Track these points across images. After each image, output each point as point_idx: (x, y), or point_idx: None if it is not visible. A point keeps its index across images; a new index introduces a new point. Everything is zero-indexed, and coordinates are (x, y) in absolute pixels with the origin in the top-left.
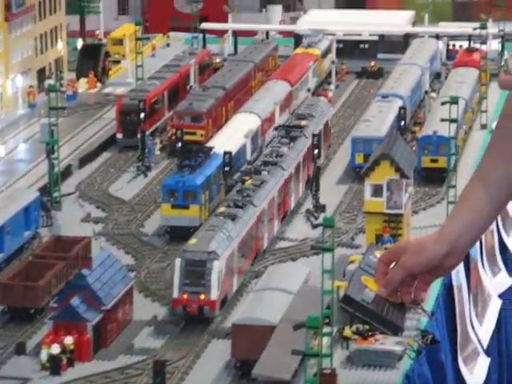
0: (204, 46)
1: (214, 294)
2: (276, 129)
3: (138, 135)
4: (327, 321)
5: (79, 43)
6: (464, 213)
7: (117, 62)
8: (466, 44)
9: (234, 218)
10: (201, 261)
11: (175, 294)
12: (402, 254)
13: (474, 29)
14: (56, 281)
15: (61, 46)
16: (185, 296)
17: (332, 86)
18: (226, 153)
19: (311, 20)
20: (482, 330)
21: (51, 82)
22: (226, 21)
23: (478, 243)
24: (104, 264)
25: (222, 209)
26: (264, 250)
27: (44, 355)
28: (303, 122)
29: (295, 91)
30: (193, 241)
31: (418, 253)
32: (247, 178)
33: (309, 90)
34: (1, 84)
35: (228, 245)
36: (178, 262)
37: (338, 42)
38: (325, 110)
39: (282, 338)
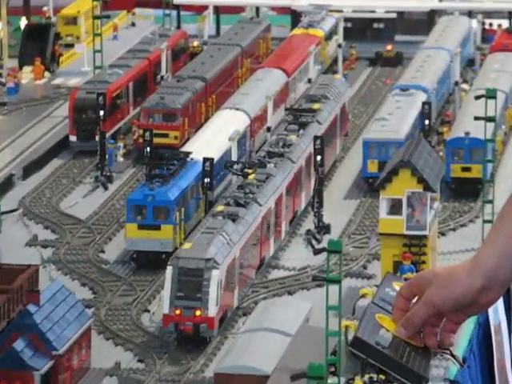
0: (178, 26)
1: (212, 310)
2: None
3: (97, 138)
4: (333, 369)
5: (22, 22)
6: (504, 236)
7: (70, 45)
8: (505, 23)
9: (234, 218)
10: (197, 269)
11: (166, 310)
12: (426, 287)
13: None
14: None
15: None
16: (177, 312)
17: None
18: (206, 160)
19: None
20: None
21: None
22: None
23: None
24: (55, 299)
25: (220, 207)
26: (265, 264)
27: None
28: (315, 105)
29: (292, 82)
30: (187, 245)
31: (446, 286)
32: (250, 170)
33: (309, 80)
34: None
35: (229, 251)
36: (169, 270)
37: (346, 20)
38: (341, 91)
39: None
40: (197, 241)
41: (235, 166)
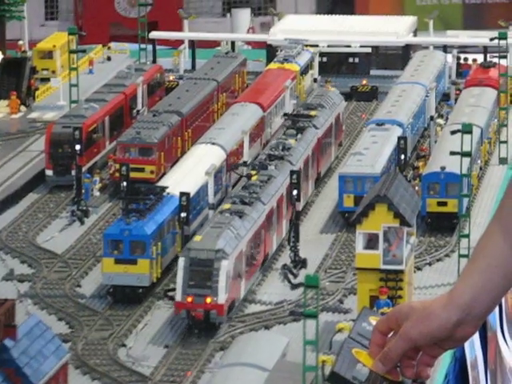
0: (154, 61)
1: (222, 297)
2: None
3: (73, 172)
4: None
5: None
6: (480, 270)
7: (45, 79)
8: (480, 58)
9: (241, 215)
10: (207, 260)
11: (178, 297)
12: (403, 321)
13: (491, 39)
14: None
15: None
16: (189, 299)
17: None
18: (182, 194)
19: (288, 28)
20: None
21: None
22: (181, 29)
23: (497, 308)
24: (31, 333)
25: (227, 205)
26: (269, 261)
27: None
28: (312, 112)
29: (268, 117)
30: (197, 238)
31: (423, 320)
32: (253, 172)
33: (286, 115)
34: None
35: (236, 243)
36: (181, 261)
37: (322, 55)
38: (336, 102)
39: None
40: (207, 234)
41: (239, 169)
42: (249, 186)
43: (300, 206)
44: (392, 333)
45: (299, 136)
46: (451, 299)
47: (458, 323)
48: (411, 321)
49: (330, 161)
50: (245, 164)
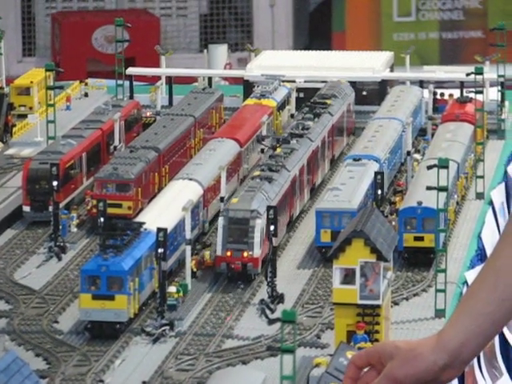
0: (131, 97)
1: (257, 252)
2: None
3: (50, 208)
4: None
5: None
6: (471, 316)
7: (23, 116)
8: (457, 93)
9: (270, 180)
10: (243, 219)
11: (219, 252)
12: (387, 360)
13: (468, 74)
14: None
15: None
16: (228, 253)
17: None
18: (159, 229)
19: (264, 63)
20: None
21: None
22: (158, 65)
23: None
24: (9, 369)
25: (257, 172)
26: (297, 217)
27: None
28: (327, 101)
29: (245, 152)
30: (234, 200)
31: (409, 361)
32: (278, 145)
33: (262, 151)
34: None
35: (267, 205)
36: (220, 220)
37: (299, 90)
38: (347, 93)
39: None
40: (242, 197)
41: (265, 141)
42: (274, 156)
43: (280, 237)
44: (368, 368)
45: (316, 120)
46: (440, 343)
47: (444, 367)
48: (397, 361)
49: (342, 146)
50: (267, 137)
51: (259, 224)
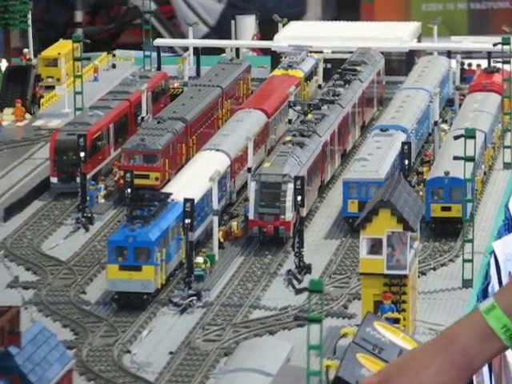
0: (159, 68)
1: (289, 215)
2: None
3: (77, 179)
4: None
5: (3, 64)
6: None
7: (50, 87)
8: (484, 63)
9: (301, 145)
10: (275, 183)
11: (251, 216)
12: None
13: (495, 44)
14: None
15: None
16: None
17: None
18: (186, 200)
19: (292, 34)
20: None
21: None
22: (185, 36)
23: None
24: (36, 340)
25: (288, 138)
26: (327, 183)
27: None
28: (358, 68)
29: (273, 123)
30: (266, 164)
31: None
32: (309, 111)
33: (290, 121)
34: None
35: (299, 169)
36: (253, 184)
37: (326, 61)
38: (377, 59)
39: None
40: (274, 161)
41: (297, 106)
42: (306, 122)
43: (312, 201)
44: None
45: (347, 86)
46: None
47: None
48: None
49: (372, 112)
50: (299, 103)
51: (291, 188)
